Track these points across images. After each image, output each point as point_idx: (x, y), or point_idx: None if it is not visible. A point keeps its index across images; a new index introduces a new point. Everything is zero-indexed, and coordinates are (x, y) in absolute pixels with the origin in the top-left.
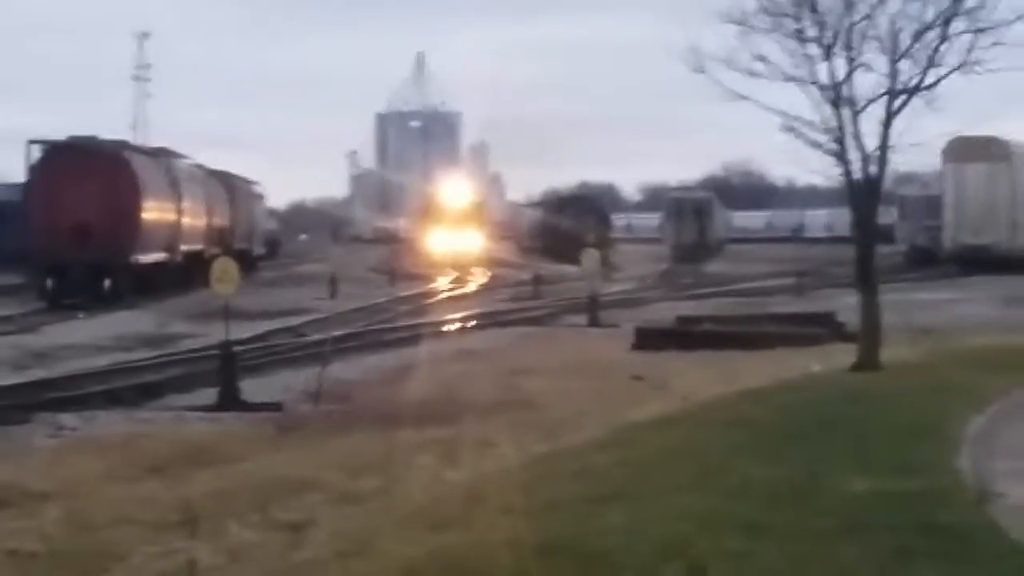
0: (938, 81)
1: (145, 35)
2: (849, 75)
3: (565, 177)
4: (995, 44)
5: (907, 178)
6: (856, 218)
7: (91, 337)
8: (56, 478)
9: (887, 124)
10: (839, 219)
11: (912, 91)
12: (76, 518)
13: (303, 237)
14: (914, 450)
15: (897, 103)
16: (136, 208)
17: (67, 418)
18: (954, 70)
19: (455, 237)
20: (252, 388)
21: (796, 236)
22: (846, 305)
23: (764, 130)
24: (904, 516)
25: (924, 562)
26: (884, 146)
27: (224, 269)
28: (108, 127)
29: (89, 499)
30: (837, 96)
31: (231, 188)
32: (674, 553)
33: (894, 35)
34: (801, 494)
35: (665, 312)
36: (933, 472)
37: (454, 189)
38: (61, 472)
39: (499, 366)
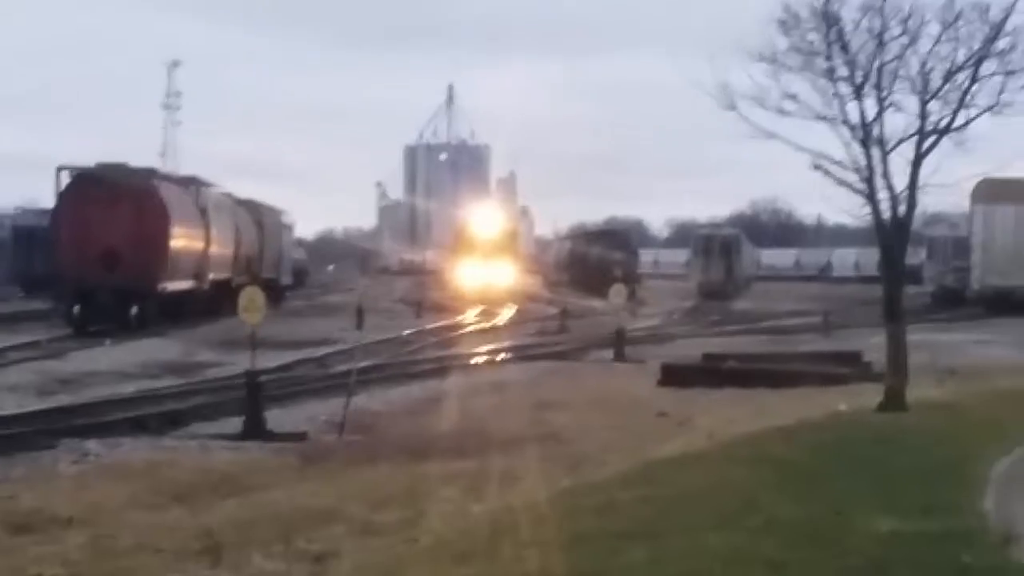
0: (968, 122)
1: (176, 63)
2: (879, 115)
3: (594, 212)
4: None
5: (936, 219)
6: (884, 258)
7: (117, 364)
8: (80, 504)
9: (916, 164)
10: (867, 258)
11: (942, 132)
12: (99, 544)
13: (330, 268)
14: (939, 491)
15: (927, 144)
16: (164, 236)
17: (92, 444)
18: (984, 111)
19: (484, 269)
20: (277, 418)
21: (824, 275)
22: (873, 345)
23: (793, 168)
24: (929, 556)
25: None
26: (913, 186)
27: (251, 298)
28: (138, 154)
29: (113, 526)
30: (867, 136)
31: (259, 217)
32: None
33: (925, 76)
34: (826, 533)
35: (691, 348)
36: (958, 513)
37: (484, 220)
38: (85, 498)
39: (525, 400)
